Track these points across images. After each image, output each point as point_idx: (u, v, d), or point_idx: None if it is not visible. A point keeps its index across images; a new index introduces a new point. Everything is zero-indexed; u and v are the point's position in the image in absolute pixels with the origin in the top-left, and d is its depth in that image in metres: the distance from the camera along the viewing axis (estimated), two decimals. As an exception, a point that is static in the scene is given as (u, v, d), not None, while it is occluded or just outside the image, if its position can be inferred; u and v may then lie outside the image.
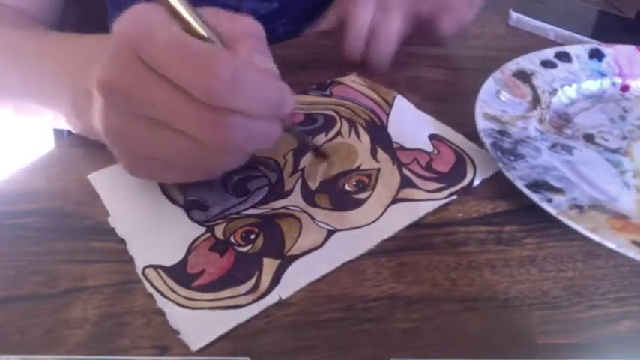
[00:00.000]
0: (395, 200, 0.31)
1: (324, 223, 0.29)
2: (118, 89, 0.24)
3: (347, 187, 0.32)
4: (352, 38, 0.42)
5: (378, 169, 0.33)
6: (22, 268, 0.27)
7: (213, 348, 0.24)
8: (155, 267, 0.27)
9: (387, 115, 0.38)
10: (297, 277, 0.26)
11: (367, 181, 0.32)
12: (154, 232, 0.29)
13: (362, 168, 0.33)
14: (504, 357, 0.24)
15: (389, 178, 0.33)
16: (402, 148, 0.35)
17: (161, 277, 0.26)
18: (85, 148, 0.34)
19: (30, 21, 0.43)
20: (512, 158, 0.32)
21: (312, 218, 0.30)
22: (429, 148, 0.35)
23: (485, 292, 0.26)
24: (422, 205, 0.31)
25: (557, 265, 0.28)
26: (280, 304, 0.25)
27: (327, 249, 0.28)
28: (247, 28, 0.27)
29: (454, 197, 0.32)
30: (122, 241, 0.28)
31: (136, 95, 0.24)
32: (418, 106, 0.39)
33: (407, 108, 0.39)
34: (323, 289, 0.26)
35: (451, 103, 0.39)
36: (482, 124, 0.34)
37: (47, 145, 0.43)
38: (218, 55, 0.23)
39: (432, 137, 0.36)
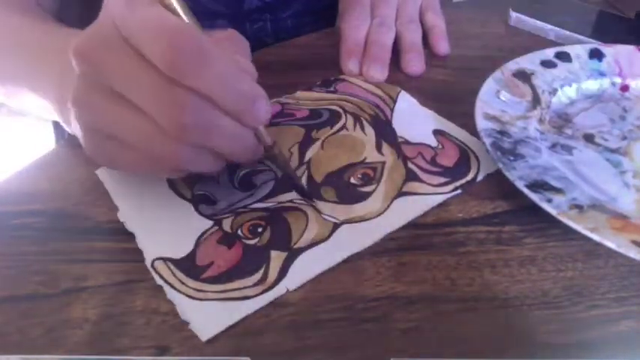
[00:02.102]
0: (400, 193, 0.31)
1: (330, 216, 0.30)
2: (90, 58, 0.24)
3: (352, 180, 0.32)
4: (344, 54, 0.43)
5: (384, 162, 0.34)
6: (22, 268, 0.27)
7: (213, 348, 0.24)
8: (164, 259, 0.27)
9: (392, 110, 0.39)
10: (304, 270, 0.27)
11: (372, 174, 0.33)
12: (162, 226, 0.29)
13: (367, 161, 0.34)
14: (504, 357, 0.24)
15: (394, 171, 0.33)
16: (406, 142, 0.36)
17: (170, 270, 0.27)
18: (85, 148, 0.34)
19: (35, 6, 0.43)
20: (512, 158, 0.32)
21: (318, 211, 0.30)
22: (434, 142, 0.36)
23: (485, 292, 0.26)
24: (427, 199, 0.31)
25: (557, 265, 0.28)
26: (280, 303, 0.25)
27: (333, 242, 0.28)
28: (234, 37, 0.27)
29: (459, 191, 0.32)
30: (122, 240, 0.28)
31: (107, 66, 0.24)
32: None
33: (410, 104, 0.39)
34: (323, 289, 0.26)
35: (451, 103, 0.39)
36: (482, 124, 0.34)
37: (47, 145, 0.43)
38: (188, 30, 0.23)
39: (436, 132, 0.36)
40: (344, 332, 0.24)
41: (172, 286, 0.26)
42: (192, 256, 0.27)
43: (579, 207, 0.29)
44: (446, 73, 0.44)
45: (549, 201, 0.29)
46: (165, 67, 0.23)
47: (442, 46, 0.45)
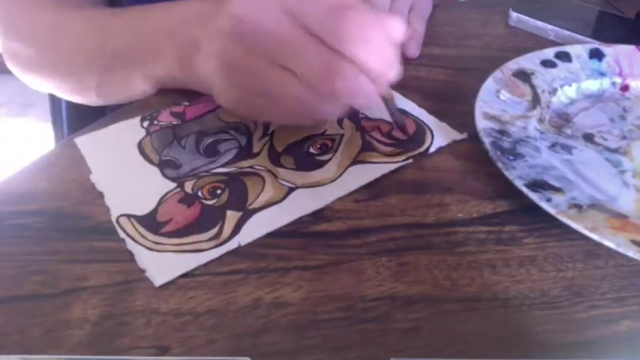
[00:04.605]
0: (354, 162, 0.33)
1: (286, 181, 0.31)
2: (252, 24, 0.27)
3: (311, 150, 0.34)
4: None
5: (342, 135, 0.35)
6: (22, 268, 0.27)
7: (213, 348, 0.24)
8: (128, 216, 0.29)
9: None
10: (257, 228, 0.29)
11: (330, 145, 0.34)
12: (129, 187, 0.31)
13: (327, 133, 0.35)
14: (504, 357, 0.24)
15: (351, 142, 0.35)
16: (366, 118, 0.37)
17: (132, 225, 0.29)
18: (85, 148, 0.34)
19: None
20: (511, 157, 0.32)
21: (275, 176, 0.32)
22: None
23: (485, 292, 0.26)
24: (379, 167, 0.33)
25: (557, 265, 0.28)
26: (280, 303, 0.25)
27: (287, 203, 0.30)
28: None
29: (410, 161, 0.33)
30: (122, 240, 0.28)
31: (267, 36, 0.27)
32: (419, 106, 0.39)
33: None
34: (323, 289, 0.26)
35: (451, 103, 0.39)
36: (482, 123, 0.34)
37: (47, 145, 0.43)
38: (353, 4, 0.26)
39: (397, 110, 0.38)
40: (344, 332, 0.24)
41: (133, 239, 0.28)
42: (153, 213, 0.29)
43: (578, 206, 0.29)
44: (446, 73, 0.44)
45: (548, 200, 0.29)
46: (331, 40, 0.26)
47: (412, 48, 0.45)
